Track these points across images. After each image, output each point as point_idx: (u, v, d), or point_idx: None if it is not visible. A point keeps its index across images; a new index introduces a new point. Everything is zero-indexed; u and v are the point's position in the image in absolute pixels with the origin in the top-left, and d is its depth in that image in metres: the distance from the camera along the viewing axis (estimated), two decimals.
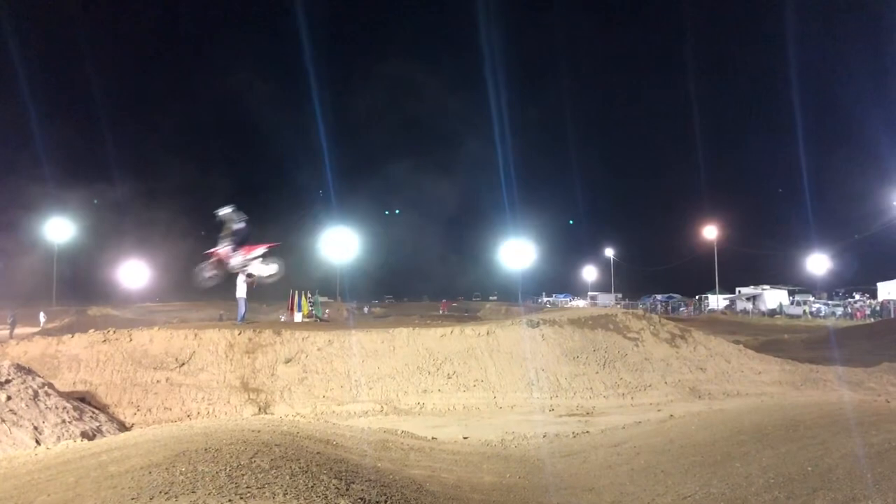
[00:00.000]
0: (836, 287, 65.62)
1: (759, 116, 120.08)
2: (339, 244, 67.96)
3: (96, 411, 11.93)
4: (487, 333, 16.62)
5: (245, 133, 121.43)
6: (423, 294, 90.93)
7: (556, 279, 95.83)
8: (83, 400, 12.50)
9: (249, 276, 18.38)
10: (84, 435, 10.14)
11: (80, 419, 10.76)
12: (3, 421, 9.59)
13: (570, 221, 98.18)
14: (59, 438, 9.74)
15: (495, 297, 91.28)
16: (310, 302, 23.77)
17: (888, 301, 49.98)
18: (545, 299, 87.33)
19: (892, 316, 43.73)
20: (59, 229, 61.97)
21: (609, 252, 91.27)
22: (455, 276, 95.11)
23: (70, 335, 15.80)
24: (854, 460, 6.19)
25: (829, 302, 55.60)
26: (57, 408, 10.60)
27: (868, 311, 48.09)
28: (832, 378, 16.25)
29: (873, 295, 57.43)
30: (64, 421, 10.37)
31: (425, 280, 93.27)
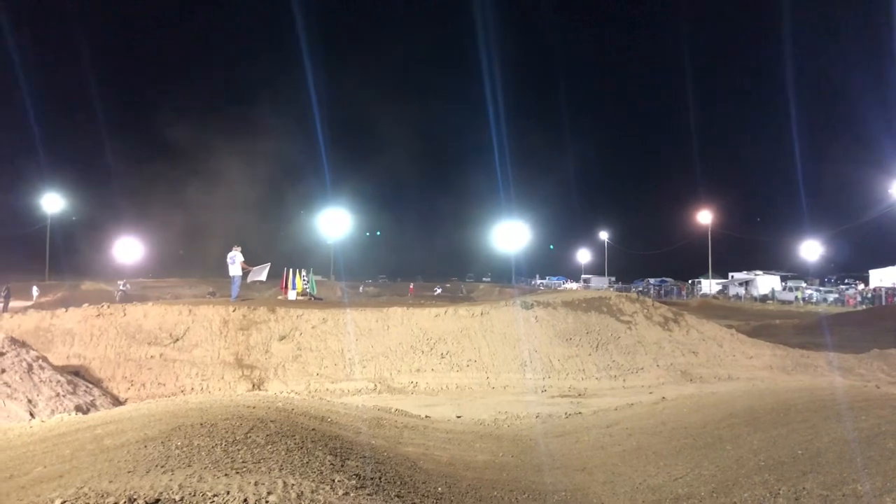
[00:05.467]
0: (829, 274, 66.04)
1: (755, 103, 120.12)
2: (334, 223, 67.80)
3: (90, 385, 11.95)
4: (481, 314, 16.65)
5: (240, 116, 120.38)
6: (416, 275, 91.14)
7: (549, 261, 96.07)
8: (77, 374, 12.51)
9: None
10: (78, 408, 10.17)
11: (74, 393, 10.78)
12: None
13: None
14: (53, 412, 9.76)
15: (489, 279, 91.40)
16: (304, 280, 23.73)
17: (880, 288, 50.27)
18: (539, 281, 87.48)
19: (884, 303, 43.99)
20: (53, 203, 61.63)
21: (603, 235, 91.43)
22: (449, 257, 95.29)
23: (64, 309, 15.79)
24: (844, 444, 6.25)
25: (821, 288, 55.95)
26: (51, 381, 10.62)
27: (859, 298, 48.36)
28: (823, 363, 16.36)
29: (865, 282, 57.75)
30: (58, 394, 10.38)
31: (420, 261, 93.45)
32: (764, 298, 55.06)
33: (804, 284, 57.97)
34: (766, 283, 60.09)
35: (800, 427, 7.09)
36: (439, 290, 65.49)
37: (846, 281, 60.20)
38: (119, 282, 46.33)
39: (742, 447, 6.77)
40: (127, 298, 39.48)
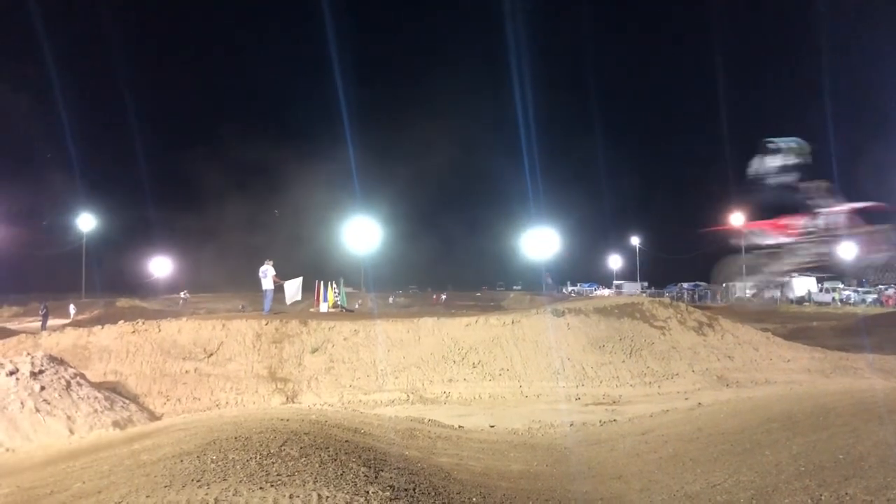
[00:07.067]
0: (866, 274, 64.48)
1: (786, 103, 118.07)
2: (363, 234, 67.96)
3: (127, 401, 12.09)
4: (513, 322, 16.57)
5: (272, 132, 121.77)
6: (447, 284, 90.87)
7: (581, 268, 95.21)
8: (114, 390, 12.67)
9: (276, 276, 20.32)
10: (115, 424, 10.30)
11: (111, 409, 10.92)
12: (38, 410, 9.77)
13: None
14: (91, 428, 9.90)
15: (519, 287, 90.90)
16: (335, 292, 23.88)
17: None
18: (570, 288, 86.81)
19: None
20: (87, 222, 62.73)
21: (635, 240, 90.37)
22: (478, 266, 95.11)
23: (100, 326, 16.01)
24: (886, 448, 6.10)
25: (859, 289, 54.77)
26: (89, 398, 10.77)
27: None
28: (863, 366, 16.03)
29: None
30: (96, 410, 10.53)
31: (450, 271, 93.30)
32: (800, 300, 54.06)
33: (841, 285, 56.80)
34: (801, 284, 58.90)
35: (840, 431, 6.94)
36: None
37: (885, 281, 58.81)
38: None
39: (781, 452, 6.64)
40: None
